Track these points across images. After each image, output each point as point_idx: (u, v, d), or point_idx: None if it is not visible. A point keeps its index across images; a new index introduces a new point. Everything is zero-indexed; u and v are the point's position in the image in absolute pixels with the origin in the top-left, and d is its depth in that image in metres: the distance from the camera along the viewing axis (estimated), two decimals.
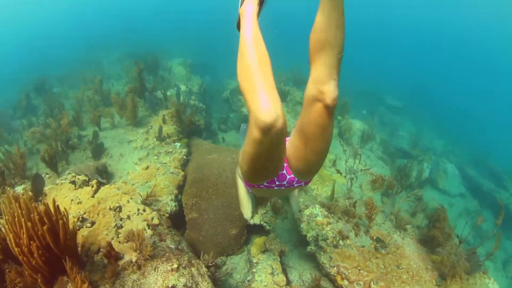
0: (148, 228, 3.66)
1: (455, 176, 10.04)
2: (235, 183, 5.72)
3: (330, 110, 1.45)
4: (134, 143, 6.59)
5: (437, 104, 18.85)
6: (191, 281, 3.18)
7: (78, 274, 2.48)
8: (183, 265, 3.32)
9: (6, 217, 2.39)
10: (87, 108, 8.61)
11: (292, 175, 1.93)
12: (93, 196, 3.97)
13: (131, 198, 4.07)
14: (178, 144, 6.89)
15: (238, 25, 1.65)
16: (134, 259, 3.12)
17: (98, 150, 6.02)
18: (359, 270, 4.34)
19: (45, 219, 2.29)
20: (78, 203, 3.81)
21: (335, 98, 1.42)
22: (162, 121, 7.44)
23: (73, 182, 4.26)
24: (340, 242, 4.71)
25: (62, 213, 2.47)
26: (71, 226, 2.76)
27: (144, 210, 3.93)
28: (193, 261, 3.59)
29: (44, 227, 2.24)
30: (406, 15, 43.05)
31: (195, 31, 24.80)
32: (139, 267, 3.06)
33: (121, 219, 3.68)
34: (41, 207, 2.30)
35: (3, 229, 2.50)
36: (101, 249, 3.21)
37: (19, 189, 4.46)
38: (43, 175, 4.87)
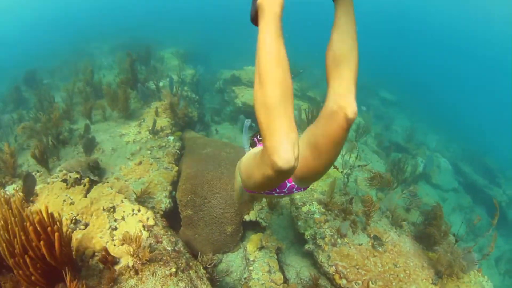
0: (144, 229, 3.53)
1: (449, 171, 10.14)
2: (231, 180, 5.64)
3: (350, 124, 1.46)
4: (127, 137, 6.40)
5: (431, 99, 19.00)
6: (190, 285, 3.09)
7: (75, 282, 2.36)
8: (181, 269, 3.22)
9: None
10: (78, 100, 8.33)
11: (293, 183, 1.95)
12: (85, 196, 3.82)
13: (125, 198, 3.93)
14: (171, 138, 6.72)
15: (254, 18, 1.36)
16: (131, 264, 3.01)
17: (90, 145, 5.81)
18: (358, 269, 4.33)
19: (39, 229, 2.14)
20: (71, 203, 3.65)
21: (355, 112, 1.43)
22: (155, 114, 7.23)
23: (65, 181, 4.08)
24: (338, 240, 4.68)
25: (56, 220, 2.32)
26: (64, 229, 2.63)
27: (139, 210, 3.80)
28: (191, 263, 3.49)
29: (41, 242, 2.10)
30: (402, 8, 42.87)
31: (187, 20, 24.26)
32: (136, 272, 2.95)
33: (115, 220, 3.55)
34: (35, 217, 2.15)
35: None
36: (96, 253, 3.09)
37: (9, 188, 4.29)
38: (34, 173, 4.70)
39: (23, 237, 2.08)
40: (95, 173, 4.84)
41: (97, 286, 2.76)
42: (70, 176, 4.15)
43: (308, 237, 4.79)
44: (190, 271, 3.31)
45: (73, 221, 3.41)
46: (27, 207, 3.63)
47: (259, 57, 1.22)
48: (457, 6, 38.26)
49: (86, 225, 3.42)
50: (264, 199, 5.65)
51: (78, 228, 3.37)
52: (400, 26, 41.85)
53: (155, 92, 8.33)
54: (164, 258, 3.23)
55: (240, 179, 2.77)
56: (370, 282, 4.15)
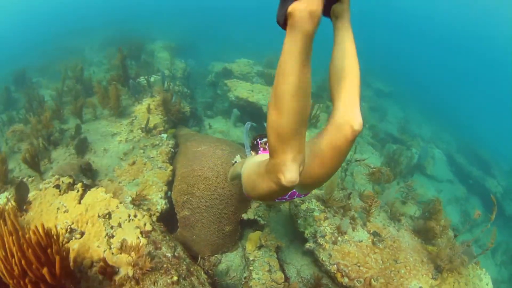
0: (142, 236, 3.42)
1: (443, 162, 10.22)
2: (229, 177, 5.54)
3: (355, 135, 1.49)
4: (119, 136, 6.21)
5: (424, 90, 19.05)
6: None
7: None
8: (183, 276, 3.13)
9: None
10: (68, 99, 8.07)
11: (294, 190, 1.99)
12: (79, 202, 3.68)
13: (120, 203, 3.80)
14: (164, 136, 6.56)
15: (283, 23, 1.16)
16: (131, 273, 2.90)
17: (81, 146, 5.62)
18: (359, 266, 4.31)
19: (38, 252, 2.02)
20: (65, 211, 3.51)
21: (360, 124, 1.46)
22: (147, 111, 7.04)
23: (58, 186, 3.92)
24: (339, 238, 4.65)
25: (54, 240, 2.20)
26: (60, 238, 2.51)
27: (135, 216, 3.68)
28: (192, 269, 3.41)
29: (44, 270, 1.98)
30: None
31: (176, 12, 23.68)
32: (137, 282, 2.86)
33: (111, 227, 3.42)
34: (33, 237, 2.03)
35: None
36: (95, 263, 2.97)
37: (1, 197, 4.11)
38: (26, 179, 4.55)
39: (23, 262, 1.96)
40: (88, 175, 4.68)
41: None
42: (62, 181, 3.99)
43: (308, 235, 4.75)
44: (192, 278, 3.23)
45: (68, 230, 3.28)
46: (21, 216, 3.49)
47: (278, 80, 1.11)
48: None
49: (82, 234, 3.29)
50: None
51: (74, 237, 3.24)
52: (392, 16, 41.70)
53: (146, 88, 8.10)
54: (165, 265, 3.13)
55: (236, 171, 2.95)
56: (372, 280, 4.14)
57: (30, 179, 4.83)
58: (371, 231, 4.91)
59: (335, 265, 4.31)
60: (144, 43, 11.93)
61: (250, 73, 11.31)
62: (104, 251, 3.10)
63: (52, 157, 5.54)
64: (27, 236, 2.03)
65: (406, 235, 5.16)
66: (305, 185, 1.87)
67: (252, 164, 2.02)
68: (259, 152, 2.82)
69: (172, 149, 6.27)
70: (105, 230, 3.36)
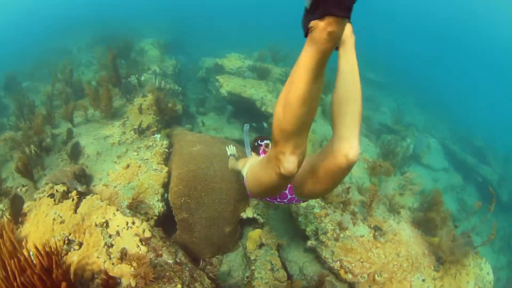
0: (141, 243, 3.32)
1: (438, 151, 10.26)
2: (225, 178, 5.44)
3: (350, 166, 1.49)
4: (111, 139, 6.04)
5: (417, 80, 19.05)
6: None
7: None
8: (187, 283, 3.06)
9: None
10: (58, 103, 7.84)
11: (293, 195, 2.13)
12: (75, 212, 3.55)
13: (117, 210, 3.68)
14: (158, 136, 6.41)
15: (305, 33, 1.16)
16: (133, 284, 2.81)
17: (74, 151, 5.46)
18: (362, 262, 4.29)
19: (43, 276, 1.92)
20: (61, 222, 3.38)
21: (356, 155, 1.46)
22: (139, 111, 6.87)
23: (52, 195, 3.78)
24: (341, 234, 4.61)
25: (54, 254, 2.09)
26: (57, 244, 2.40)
27: (133, 223, 3.57)
28: (195, 275, 3.33)
29: None
30: None
31: (163, 8, 23.10)
32: None
33: (110, 236, 3.31)
34: (36, 261, 1.92)
35: None
36: (95, 275, 2.87)
37: None
38: (20, 189, 4.43)
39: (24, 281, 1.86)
40: (82, 181, 4.54)
41: None
42: (56, 190, 3.85)
43: (310, 233, 4.70)
44: (196, 284, 3.15)
45: (66, 241, 3.16)
46: (17, 229, 3.36)
47: (288, 86, 1.17)
48: None
49: (80, 245, 3.18)
50: None
51: (72, 249, 3.12)
52: (383, 6, 41.50)
53: (137, 88, 7.90)
54: (167, 274, 3.05)
55: (236, 167, 3.12)
56: (376, 275, 4.13)
57: (24, 189, 4.71)
58: (372, 225, 4.88)
59: (338, 262, 4.28)
60: (133, 41, 11.64)
61: (242, 68, 11.14)
62: (104, 261, 3.00)
63: (45, 164, 5.39)
64: (30, 261, 1.92)
65: (406, 227, 5.15)
66: (302, 195, 1.99)
67: (255, 160, 2.27)
68: (261, 155, 2.82)
69: (166, 150, 6.13)
70: (103, 239, 3.25)
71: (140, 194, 4.78)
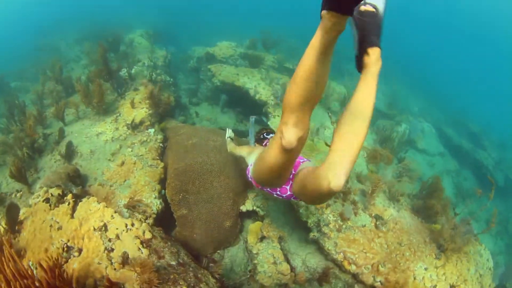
0: (143, 246, 3.23)
1: (433, 136, 10.28)
2: (223, 170, 5.35)
3: (331, 194, 1.53)
4: (104, 136, 5.85)
5: (411, 64, 18.92)
6: None
7: None
8: (192, 285, 2.99)
9: None
10: (49, 102, 7.59)
11: (292, 193, 2.32)
12: (72, 216, 3.42)
13: (115, 212, 3.56)
14: (152, 130, 6.25)
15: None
16: None
17: (67, 151, 5.28)
18: (365, 253, 4.27)
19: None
20: (58, 228, 3.26)
21: (340, 186, 1.46)
22: (131, 105, 6.66)
23: (47, 200, 3.64)
24: (343, 225, 4.58)
25: (56, 265, 1.98)
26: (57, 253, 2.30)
27: (132, 225, 3.46)
28: (199, 275, 3.26)
29: None
30: None
31: None
32: None
33: (109, 240, 3.20)
34: (39, 275, 1.81)
35: None
36: (98, 282, 2.78)
37: None
38: (14, 195, 4.28)
39: None
40: (76, 182, 4.40)
41: None
42: (51, 194, 3.70)
43: (312, 224, 4.66)
44: (201, 285, 3.08)
45: (65, 249, 3.05)
46: (15, 238, 3.24)
47: (299, 65, 1.41)
48: None
49: (80, 251, 3.07)
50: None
51: (72, 256, 3.01)
52: None
53: (127, 81, 7.66)
54: (172, 276, 2.97)
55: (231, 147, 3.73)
56: (380, 265, 4.12)
57: (18, 194, 4.57)
58: (373, 215, 4.87)
59: (341, 253, 4.27)
60: (121, 33, 11.24)
61: (234, 56, 10.90)
62: (106, 267, 2.90)
63: (38, 166, 5.23)
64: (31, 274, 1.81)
65: (406, 215, 5.16)
66: (300, 198, 2.14)
67: (263, 149, 2.38)
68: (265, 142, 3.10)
69: (161, 144, 5.99)
70: (103, 244, 3.14)
71: (137, 192, 4.67)
